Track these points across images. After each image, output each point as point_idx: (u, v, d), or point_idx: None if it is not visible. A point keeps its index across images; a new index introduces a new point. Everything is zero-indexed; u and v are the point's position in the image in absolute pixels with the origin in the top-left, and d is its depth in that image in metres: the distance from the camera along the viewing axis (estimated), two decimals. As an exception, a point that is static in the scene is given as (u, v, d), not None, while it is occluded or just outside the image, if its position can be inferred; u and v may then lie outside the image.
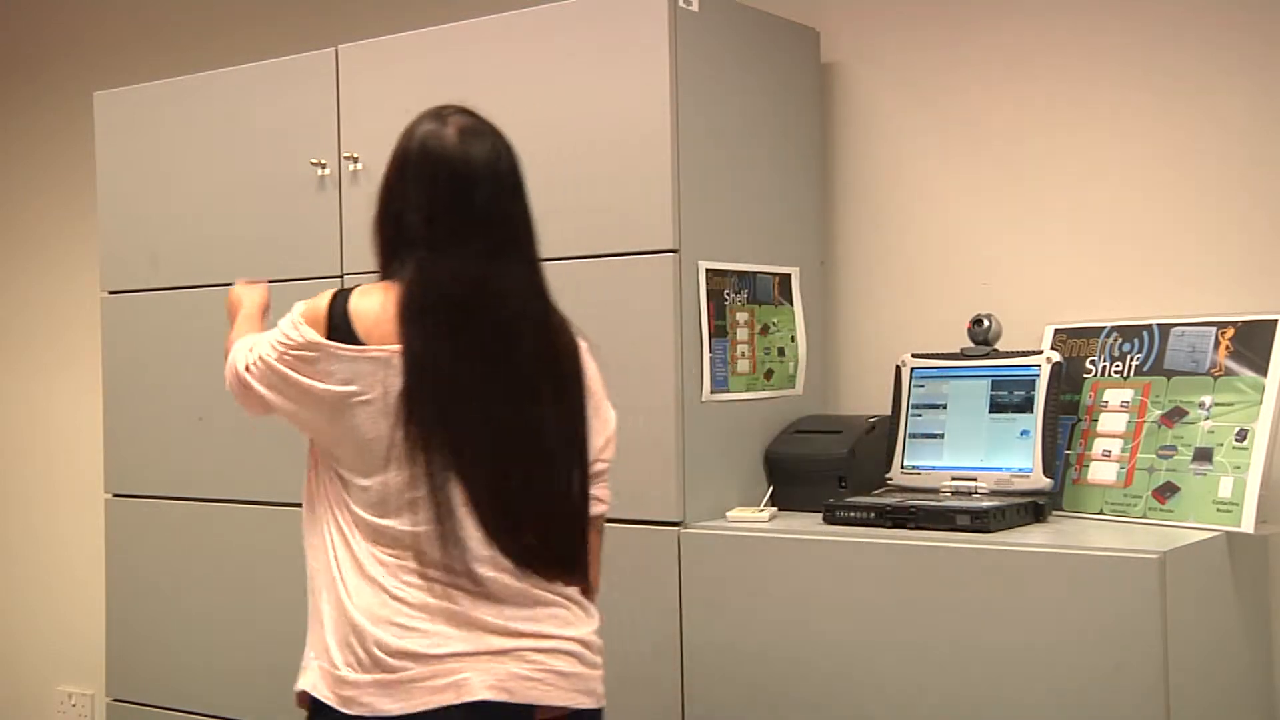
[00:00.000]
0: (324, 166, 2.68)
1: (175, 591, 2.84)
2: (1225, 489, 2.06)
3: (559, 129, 2.36)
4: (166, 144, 2.97)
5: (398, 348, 1.76)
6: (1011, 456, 2.22)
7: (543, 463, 1.82)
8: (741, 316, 2.39)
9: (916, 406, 2.34)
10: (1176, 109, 2.38)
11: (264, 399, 1.82)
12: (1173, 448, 2.15)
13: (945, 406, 2.32)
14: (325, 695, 1.72)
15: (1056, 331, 2.36)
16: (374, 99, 2.60)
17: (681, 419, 2.25)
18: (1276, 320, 2.10)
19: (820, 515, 2.23)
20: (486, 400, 1.79)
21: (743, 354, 2.39)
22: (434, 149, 1.83)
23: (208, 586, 2.78)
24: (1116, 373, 2.26)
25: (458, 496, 1.75)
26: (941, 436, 2.31)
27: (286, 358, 1.79)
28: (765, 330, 2.45)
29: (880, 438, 2.37)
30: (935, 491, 2.24)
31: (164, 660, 2.86)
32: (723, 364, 2.34)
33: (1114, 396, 2.25)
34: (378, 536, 1.76)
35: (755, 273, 2.43)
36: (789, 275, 2.51)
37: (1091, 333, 2.32)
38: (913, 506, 2.12)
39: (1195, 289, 2.33)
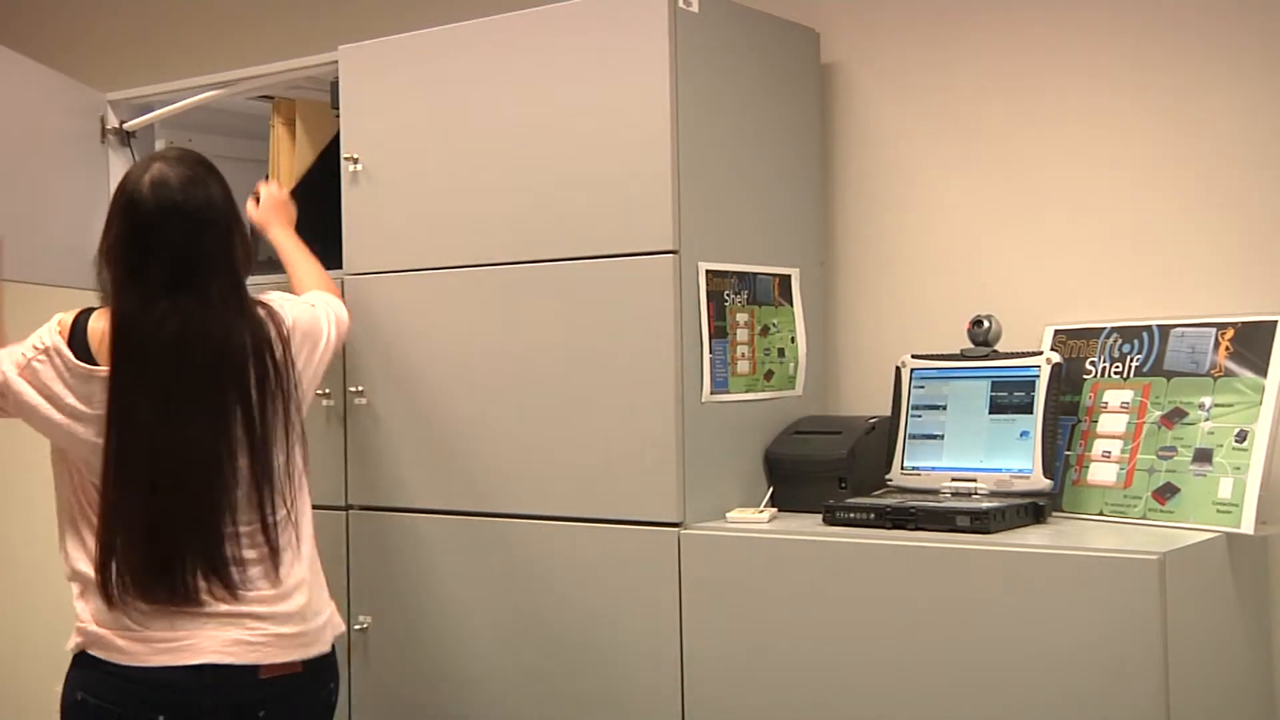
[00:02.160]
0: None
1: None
2: (1225, 490, 2.07)
3: (560, 130, 2.38)
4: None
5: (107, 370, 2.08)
6: (1011, 457, 2.23)
7: (225, 467, 2.08)
8: (741, 317, 2.40)
9: (916, 407, 2.35)
10: (1176, 109, 2.39)
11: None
12: (1172, 449, 2.16)
13: (945, 407, 2.33)
14: (79, 645, 2.07)
15: (1056, 332, 2.37)
16: (374, 100, 2.63)
17: (681, 420, 2.26)
18: (1276, 321, 2.11)
19: (820, 516, 2.24)
20: (176, 419, 2.06)
21: (743, 355, 2.41)
22: (127, 194, 2.11)
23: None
24: (1116, 373, 2.27)
25: (164, 502, 2.06)
26: (941, 437, 2.32)
27: (27, 372, 2.10)
28: (765, 331, 2.46)
29: (880, 438, 2.38)
30: (935, 492, 2.25)
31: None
32: (723, 365, 2.35)
33: (1114, 397, 2.26)
34: None
35: (755, 273, 2.44)
36: (789, 276, 2.53)
37: (1091, 334, 2.33)
38: (913, 507, 2.13)
39: (1195, 290, 2.34)
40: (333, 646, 2.17)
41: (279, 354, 2.15)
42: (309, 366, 2.25)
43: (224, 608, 2.06)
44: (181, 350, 2.07)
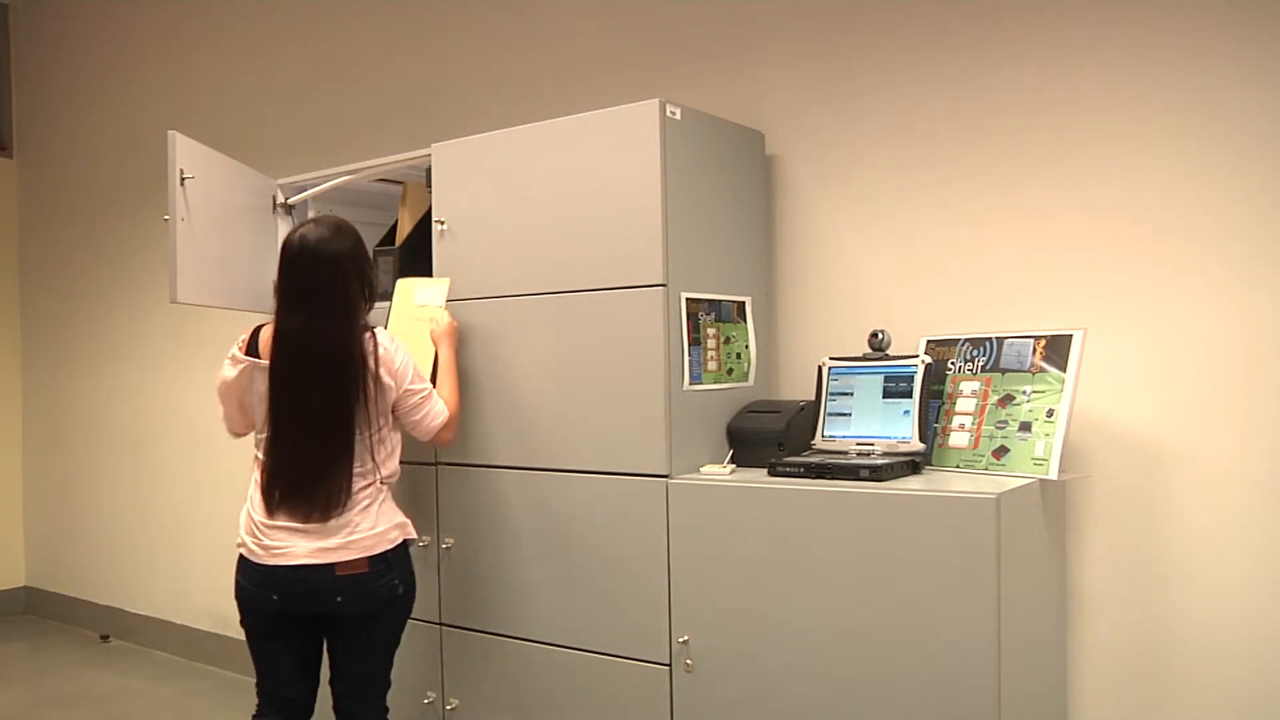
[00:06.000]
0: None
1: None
2: (1039, 450, 2.11)
3: (586, 201, 2.40)
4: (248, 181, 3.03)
5: (268, 362, 2.22)
6: (897, 428, 2.25)
7: (329, 429, 2.18)
8: (711, 331, 2.41)
9: (832, 394, 2.36)
10: (997, 195, 2.39)
11: (224, 409, 2.35)
12: (1005, 421, 2.18)
13: (852, 394, 2.33)
14: (239, 547, 2.26)
15: (928, 342, 2.37)
16: (456, 181, 2.64)
17: (669, 403, 2.29)
18: (1071, 335, 2.15)
19: (766, 470, 2.27)
20: (298, 393, 2.18)
21: (711, 357, 2.42)
22: (285, 244, 2.23)
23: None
24: (968, 370, 2.28)
25: (288, 450, 2.18)
26: (850, 415, 2.33)
27: (225, 376, 2.29)
28: (727, 340, 2.47)
29: (808, 415, 2.39)
30: (845, 453, 2.26)
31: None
32: (697, 364, 2.37)
33: (966, 387, 2.27)
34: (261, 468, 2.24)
35: (720, 300, 2.45)
36: (744, 302, 2.54)
37: (951, 343, 2.34)
38: (830, 463, 2.16)
39: (1021, 313, 2.37)
40: (398, 552, 2.25)
41: (371, 364, 2.20)
42: (391, 389, 2.25)
43: (313, 526, 2.17)
44: (308, 348, 2.17)
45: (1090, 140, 2.29)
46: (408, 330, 2.51)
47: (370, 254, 2.30)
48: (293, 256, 2.20)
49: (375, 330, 2.26)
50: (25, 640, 4.77)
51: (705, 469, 2.36)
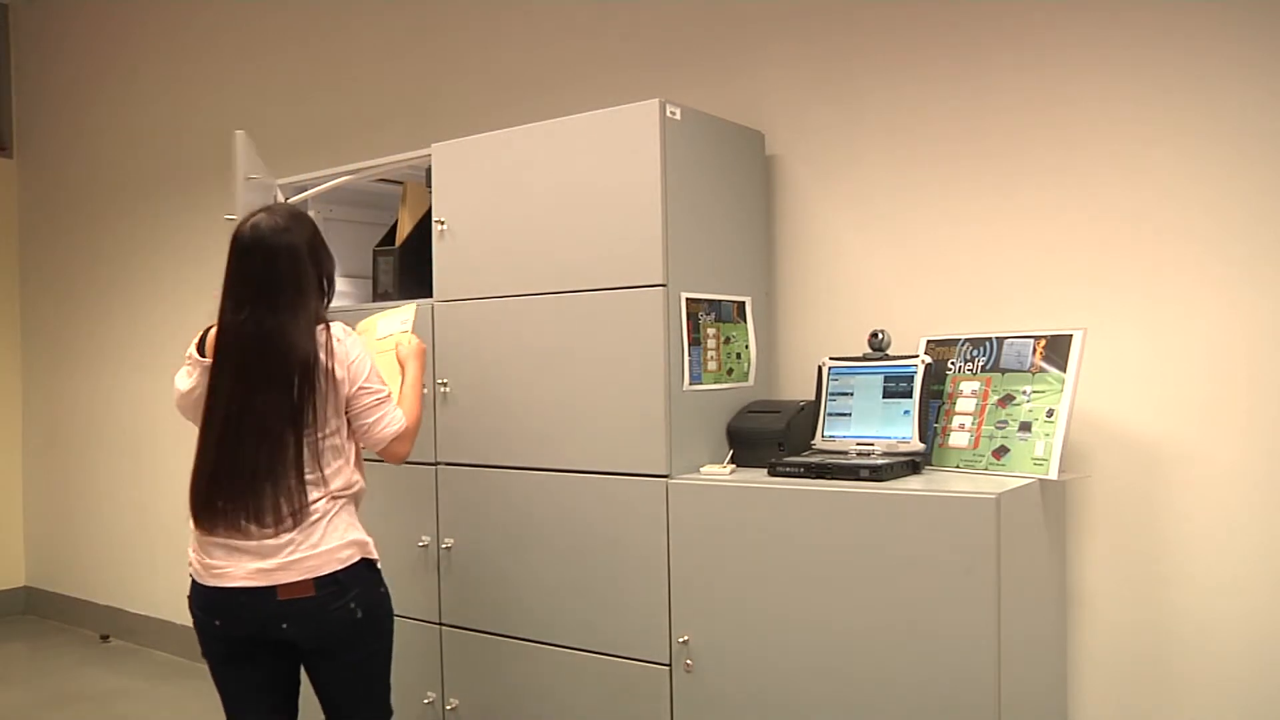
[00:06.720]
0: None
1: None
2: (1039, 450, 2.11)
3: (586, 201, 2.40)
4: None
5: (209, 360, 2.06)
6: (897, 428, 2.25)
7: (270, 435, 1.99)
8: (711, 331, 2.41)
9: (832, 394, 2.36)
10: (998, 193, 2.40)
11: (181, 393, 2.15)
12: (1005, 421, 2.18)
13: (852, 394, 2.33)
14: (188, 567, 2.10)
15: (928, 342, 2.38)
16: (456, 181, 2.64)
17: (669, 403, 2.29)
18: (1071, 335, 2.15)
19: (766, 470, 2.27)
20: (240, 394, 2.00)
21: (711, 357, 2.42)
22: (235, 235, 2.06)
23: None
24: (968, 370, 2.29)
25: (226, 455, 1.99)
26: (850, 415, 2.33)
27: (181, 374, 2.14)
28: (727, 340, 2.48)
29: (808, 415, 2.39)
30: (845, 453, 2.26)
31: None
32: (697, 364, 2.37)
33: (966, 387, 2.28)
34: None
35: (720, 300, 2.45)
36: (744, 302, 2.54)
37: (951, 343, 2.34)
38: (830, 463, 2.16)
39: (1021, 313, 2.37)
40: (353, 572, 2.04)
41: (323, 357, 2.03)
42: (346, 384, 2.08)
43: (251, 544, 1.98)
44: (251, 344, 1.99)
45: (1090, 140, 2.30)
46: (375, 361, 2.38)
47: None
48: (245, 247, 2.02)
49: (330, 324, 2.09)
50: (25, 640, 4.78)
51: (705, 469, 2.36)
